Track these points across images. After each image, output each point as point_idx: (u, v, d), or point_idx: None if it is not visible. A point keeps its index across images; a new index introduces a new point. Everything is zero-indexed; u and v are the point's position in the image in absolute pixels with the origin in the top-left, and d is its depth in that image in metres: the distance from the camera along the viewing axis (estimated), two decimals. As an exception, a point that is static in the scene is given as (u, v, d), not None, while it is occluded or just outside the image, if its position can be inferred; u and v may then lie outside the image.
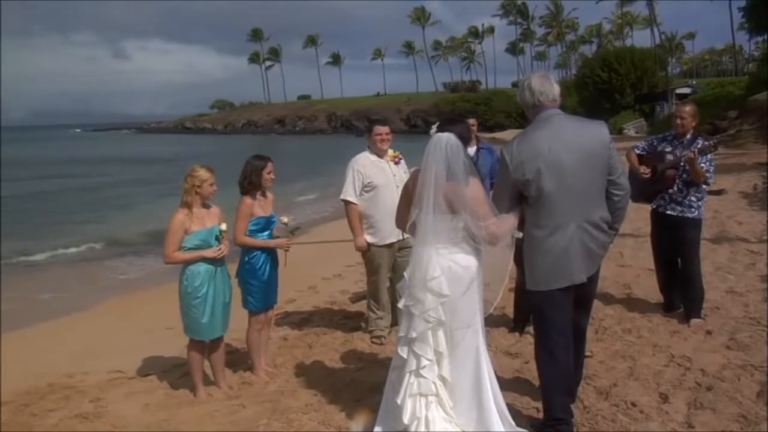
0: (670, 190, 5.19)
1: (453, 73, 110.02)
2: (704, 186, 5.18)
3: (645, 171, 5.22)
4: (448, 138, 3.18)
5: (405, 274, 3.27)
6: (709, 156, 5.08)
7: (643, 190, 5.26)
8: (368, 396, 4.05)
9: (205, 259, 4.29)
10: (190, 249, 4.27)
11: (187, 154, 43.82)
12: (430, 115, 71.40)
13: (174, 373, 5.08)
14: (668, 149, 5.21)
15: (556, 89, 3.35)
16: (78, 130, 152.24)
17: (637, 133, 43.70)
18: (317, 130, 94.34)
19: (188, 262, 4.29)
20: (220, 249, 4.33)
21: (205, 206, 4.38)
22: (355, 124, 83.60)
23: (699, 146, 5.03)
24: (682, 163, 5.08)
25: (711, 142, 5.18)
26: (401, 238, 5.01)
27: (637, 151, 5.42)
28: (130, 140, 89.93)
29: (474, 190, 3.17)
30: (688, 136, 5.19)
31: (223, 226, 4.38)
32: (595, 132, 3.33)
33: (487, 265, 3.29)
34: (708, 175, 5.09)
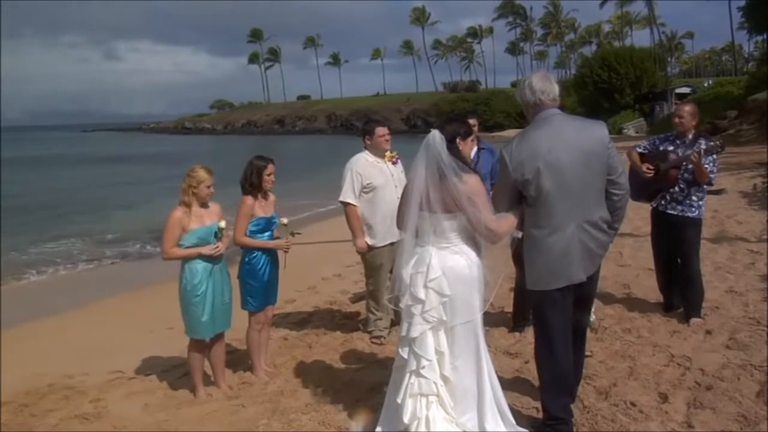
0: (672, 190, 5.19)
1: (452, 73, 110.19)
2: (705, 186, 5.19)
3: (648, 170, 5.21)
4: (433, 135, 3.19)
5: (404, 274, 3.26)
6: (712, 156, 5.08)
7: (644, 189, 5.26)
8: (368, 396, 4.06)
9: (202, 257, 4.30)
10: (188, 247, 4.28)
11: (190, 153, 43.89)
12: (430, 115, 71.54)
13: (174, 373, 5.08)
14: (670, 148, 5.21)
15: (556, 89, 3.35)
16: (90, 131, 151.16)
17: (636, 132, 43.76)
18: (317, 130, 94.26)
19: (187, 260, 4.30)
20: (217, 247, 4.33)
21: (204, 205, 4.39)
22: (355, 124, 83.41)
23: (705, 146, 5.02)
24: (685, 163, 5.08)
25: (718, 142, 5.17)
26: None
27: (639, 150, 5.41)
28: (132, 140, 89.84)
29: (471, 186, 3.16)
30: (690, 136, 5.18)
31: (223, 224, 4.38)
32: (594, 132, 3.33)
33: (487, 265, 3.29)
34: (712, 175, 5.09)
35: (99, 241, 14.16)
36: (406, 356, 3.23)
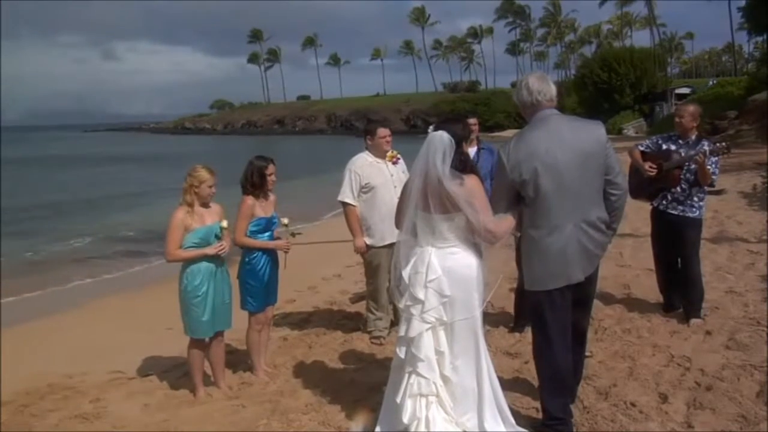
0: (673, 190, 5.19)
1: (452, 73, 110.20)
2: (706, 186, 5.19)
3: (650, 168, 5.21)
4: (440, 136, 3.18)
5: (404, 274, 3.26)
6: (714, 158, 5.08)
7: (645, 188, 5.26)
8: (368, 396, 4.06)
9: (205, 257, 4.30)
10: (190, 247, 4.28)
11: (191, 153, 43.91)
12: (430, 115, 71.36)
13: (174, 373, 5.09)
14: (673, 148, 5.21)
15: (553, 89, 3.36)
16: (90, 131, 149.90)
17: (636, 133, 43.80)
18: (317, 131, 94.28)
19: (189, 261, 4.30)
20: (221, 246, 4.33)
21: (206, 205, 4.38)
22: (355, 125, 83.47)
23: (710, 147, 5.02)
24: (688, 163, 5.08)
25: (724, 143, 5.17)
26: None
27: (641, 148, 5.41)
28: (132, 140, 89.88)
29: (469, 188, 3.16)
30: (693, 137, 5.18)
31: (224, 223, 4.38)
32: (592, 132, 3.33)
33: (487, 265, 3.29)
34: (714, 176, 5.09)
35: (100, 239, 14.18)
36: (402, 356, 3.24)
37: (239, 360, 5.08)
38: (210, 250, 4.29)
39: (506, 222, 3.27)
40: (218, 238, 4.35)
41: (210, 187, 4.32)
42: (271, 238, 4.72)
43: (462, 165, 3.23)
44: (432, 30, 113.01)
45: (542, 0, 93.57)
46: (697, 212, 5.19)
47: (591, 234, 3.30)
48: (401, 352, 3.25)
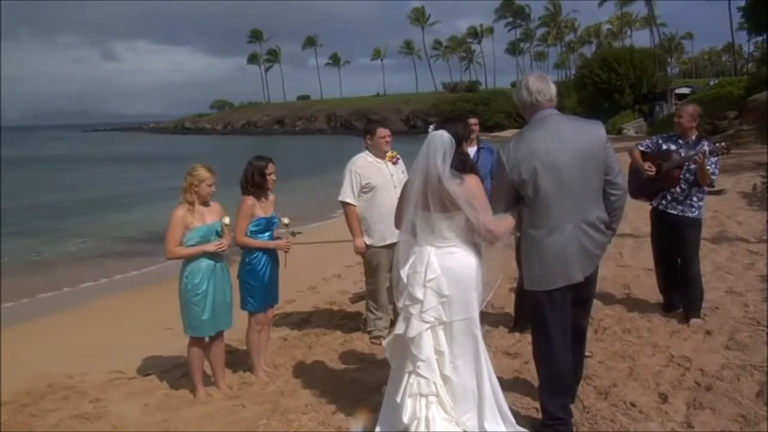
0: (673, 190, 5.19)
1: (452, 73, 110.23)
2: (705, 186, 5.19)
3: (650, 168, 5.21)
4: (441, 135, 3.18)
5: (402, 273, 3.26)
6: (714, 158, 5.08)
7: (645, 188, 5.26)
8: (368, 396, 4.06)
9: (205, 255, 4.30)
10: (191, 245, 4.28)
11: (191, 153, 43.92)
12: (430, 115, 71.32)
13: (174, 373, 5.09)
14: (673, 148, 5.21)
15: (553, 89, 3.36)
16: (90, 131, 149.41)
17: (636, 133, 43.76)
18: (317, 131, 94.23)
19: (189, 259, 4.30)
20: (221, 243, 4.33)
21: (206, 204, 4.39)
22: (355, 125, 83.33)
23: (710, 147, 5.02)
24: (687, 163, 5.08)
25: (724, 144, 5.18)
26: None
27: (641, 148, 5.41)
28: (132, 140, 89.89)
29: (469, 188, 3.16)
30: (693, 137, 5.19)
31: (226, 220, 4.39)
32: (591, 132, 3.33)
33: (486, 265, 3.29)
34: (713, 177, 5.10)
35: (99, 239, 14.18)
36: (403, 356, 3.23)
37: (239, 360, 5.08)
38: (210, 247, 4.30)
39: (506, 222, 3.27)
40: (219, 235, 4.36)
41: (210, 185, 4.33)
42: (272, 237, 4.72)
43: (462, 164, 3.23)
44: (432, 30, 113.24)
45: (542, 0, 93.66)
46: (697, 212, 5.19)
47: (591, 234, 3.30)
48: (401, 352, 3.25)
